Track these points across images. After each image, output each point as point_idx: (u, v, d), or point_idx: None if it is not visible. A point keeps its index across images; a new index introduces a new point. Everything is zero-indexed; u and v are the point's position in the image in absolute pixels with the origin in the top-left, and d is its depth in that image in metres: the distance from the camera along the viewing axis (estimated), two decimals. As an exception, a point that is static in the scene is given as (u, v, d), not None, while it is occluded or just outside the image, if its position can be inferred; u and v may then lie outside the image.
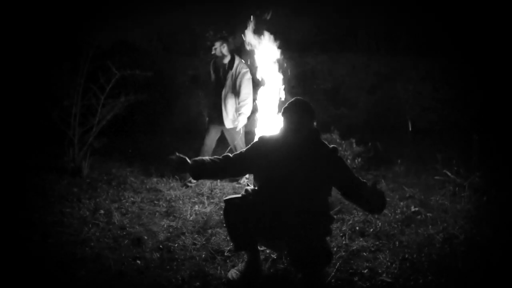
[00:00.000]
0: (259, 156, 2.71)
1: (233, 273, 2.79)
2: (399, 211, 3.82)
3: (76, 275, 2.80)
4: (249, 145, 2.84)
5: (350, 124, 6.57)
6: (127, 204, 4.06)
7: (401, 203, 4.02)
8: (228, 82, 4.61)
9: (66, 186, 4.43)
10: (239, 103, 4.58)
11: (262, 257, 2.97)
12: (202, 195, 4.30)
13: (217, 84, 4.69)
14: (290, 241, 2.53)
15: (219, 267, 2.91)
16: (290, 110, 2.69)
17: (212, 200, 4.16)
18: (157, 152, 5.92)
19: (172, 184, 4.61)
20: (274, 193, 2.64)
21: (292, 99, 2.75)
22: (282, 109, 2.74)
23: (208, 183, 4.60)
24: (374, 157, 5.18)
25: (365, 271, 2.85)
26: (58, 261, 2.96)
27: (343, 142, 5.00)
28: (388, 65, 7.57)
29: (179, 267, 2.92)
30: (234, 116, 4.62)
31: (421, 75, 7.37)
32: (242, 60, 4.68)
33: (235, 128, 4.62)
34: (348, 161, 4.78)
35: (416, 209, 3.86)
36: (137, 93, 5.34)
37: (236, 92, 4.60)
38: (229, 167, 2.76)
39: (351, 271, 2.86)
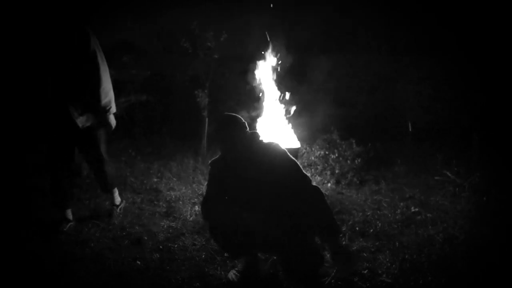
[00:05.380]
0: (221, 179, 2.72)
1: (232, 274, 2.80)
2: (399, 212, 3.82)
3: (76, 275, 2.80)
4: (209, 176, 2.81)
5: (350, 124, 6.55)
6: (127, 204, 4.06)
7: (401, 204, 4.01)
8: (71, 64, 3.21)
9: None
10: (98, 93, 3.27)
11: (262, 257, 2.97)
12: (202, 195, 4.29)
13: (51, 68, 3.29)
14: (276, 245, 2.57)
15: (219, 268, 2.92)
16: (219, 130, 2.67)
17: (212, 200, 4.15)
18: (157, 152, 5.93)
19: (171, 185, 4.60)
20: (244, 205, 2.63)
21: (219, 116, 2.73)
22: (214, 131, 2.73)
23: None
24: (374, 157, 5.17)
25: (365, 271, 2.85)
26: (58, 261, 2.96)
27: (343, 142, 5.00)
28: (388, 65, 7.56)
29: (179, 267, 2.92)
30: (85, 113, 3.33)
31: (421, 75, 7.36)
32: (88, 29, 3.26)
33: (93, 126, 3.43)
34: (348, 161, 4.77)
35: (416, 209, 3.86)
36: (137, 93, 5.34)
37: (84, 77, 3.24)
38: (217, 205, 2.68)
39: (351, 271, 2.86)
